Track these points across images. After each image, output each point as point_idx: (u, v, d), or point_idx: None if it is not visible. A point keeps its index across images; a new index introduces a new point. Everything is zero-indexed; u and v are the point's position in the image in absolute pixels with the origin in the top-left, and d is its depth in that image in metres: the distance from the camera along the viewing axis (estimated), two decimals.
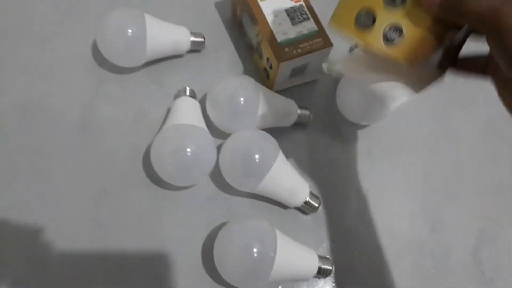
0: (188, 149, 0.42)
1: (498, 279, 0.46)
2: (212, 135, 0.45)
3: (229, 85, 0.46)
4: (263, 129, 0.46)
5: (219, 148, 0.45)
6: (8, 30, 0.51)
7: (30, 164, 0.45)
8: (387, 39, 0.29)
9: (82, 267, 0.42)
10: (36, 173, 0.45)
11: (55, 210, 0.44)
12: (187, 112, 0.45)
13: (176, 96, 0.47)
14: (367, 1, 0.30)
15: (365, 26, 0.30)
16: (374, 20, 0.29)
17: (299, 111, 0.48)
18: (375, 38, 0.29)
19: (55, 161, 0.46)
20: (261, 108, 0.45)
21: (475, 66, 0.32)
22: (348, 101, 0.49)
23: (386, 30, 0.29)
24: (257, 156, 0.42)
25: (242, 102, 0.45)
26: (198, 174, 0.44)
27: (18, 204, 0.44)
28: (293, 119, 0.48)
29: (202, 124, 0.45)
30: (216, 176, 0.46)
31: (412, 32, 0.28)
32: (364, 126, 0.51)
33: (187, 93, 0.47)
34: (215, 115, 0.46)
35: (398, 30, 0.29)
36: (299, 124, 0.49)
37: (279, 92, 0.50)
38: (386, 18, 0.29)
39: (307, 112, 0.49)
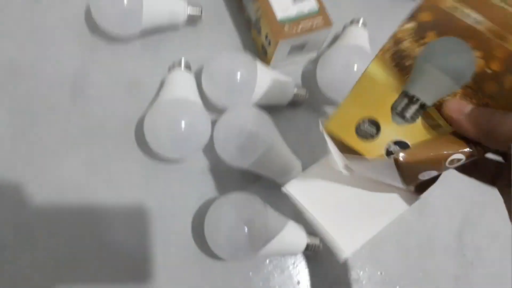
0: (183, 122, 0.41)
1: (478, 262, 0.47)
2: (207, 109, 0.45)
3: (226, 60, 0.45)
4: (259, 106, 0.46)
5: (213, 123, 0.45)
6: None
7: (17, 127, 0.44)
8: (390, 153, 0.27)
9: (69, 236, 0.41)
10: (23, 136, 0.44)
11: (42, 175, 0.43)
12: (181, 85, 0.45)
13: (171, 68, 0.46)
14: (373, 111, 0.28)
15: (366, 136, 0.28)
16: (377, 130, 0.28)
17: (295, 90, 0.48)
18: (376, 150, 0.28)
19: (43, 126, 0.45)
20: (258, 85, 0.45)
21: (483, 174, 0.30)
22: (328, 78, 0.49)
23: (391, 145, 0.27)
24: (253, 134, 0.42)
25: (239, 78, 0.44)
26: (192, 147, 0.43)
27: (4, 167, 0.43)
28: (289, 97, 0.48)
29: (197, 98, 0.45)
30: (209, 150, 0.45)
31: None
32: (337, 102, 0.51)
33: (182, 65, 0.46)
34: (211, 90, 0.46)
35: (403, 144, 0.27)
36: (296, 103, 0.49)
37: (276, 68, 0.50)
38: (392, 133, 0.27)
39: (303, 92, 0.48)
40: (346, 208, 0.31)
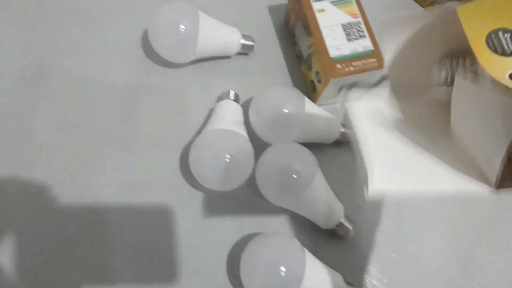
0: (227, 155, 0.41)
1: None
2: (251, 141, 0.45)
3: (276, 95, 0.45)
4: (303, 144, 0.45)
5: (257, 155, 0.45)
6: (65, 10, 0.52)
7: (65, 141, 0.46)
8: None
9: (107, 255, 0.42)
10: (71, 154, 0.45)
11: (84, 191, 0.44)
12: (229, 116, 0.45)
13: (220, 98, 0.47)
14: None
15: (500, 50, 0.22)
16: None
17: (341, 129, 0.47)
18: (502, 72, 0.22)
19: (90, 142, 0.46)
20: (304, 122, 0.44)
21: None
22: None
23: None
24: (295, 172, 0.41)
25: (286, 114, 0.44)
26: (235, 180, 0.43)
27: (52, 183, 0.44)
28: (335, 136, 0.47)
29: (243, 130, 0.45)
30: (252, 183, 0.45)
31: None
32: None
33: (231, 96, 0.46)
34: (257, 123, 0.46)
35: None
36: (341, 142, 0.48)
37: (323, 105, 0.49)
38: None
39: (350, 131, 0.47)
40: (398, 150, 0.27)
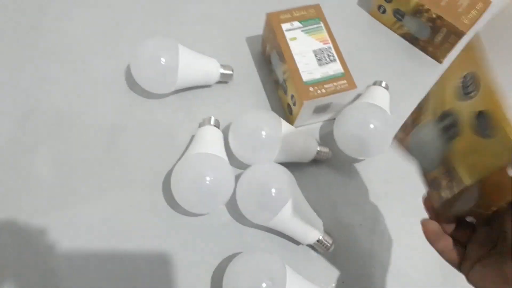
0: (208, 178, 0.43)
1: None
2: (232, 164, 0.47)
3: (252, 118, 0.48)
4: (282, 163, 0.47)
5: (237, 177, 0.46)
6: (49, 47, 0.55)
7: (54, 174, 0.47)
8: None
9: (93, 285, 0.43)
10: (59, 183, 0.47)
11: (72, 221, 0.45)
12: (209, 141, 0.47)
13: (201, 125, 0.49)
14: None
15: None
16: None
17: (318, 148, 0.49)
18: None
19: (78, 174, 0.48)
20: (282, 143, 0.46)
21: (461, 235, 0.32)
22: (344, 135, 0.49)
23: None
24: (273, 190, 0.43)
25: (263, 136, 0.46)
26: (216, 202, 0.45)
27: (38, 212, 0.45)
28: (312, 155, 0.49)
29: (223, 153, 0.46)
30: (232, 205, 0.47)
31: None
32: (361, 160, 0.52)
33: (212, 122, 0.48)
34: (236, 146, 0.48)
35: None
36: (318, 161, 0.50)
37: (301, 128, 0.52)
38: None
39: (326, 150, 0.49)
40: None
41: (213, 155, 0.45)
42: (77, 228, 0.45)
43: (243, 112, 0.49)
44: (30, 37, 0.55)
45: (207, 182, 0.43)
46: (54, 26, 0.57)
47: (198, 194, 0.43)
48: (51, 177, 0.47)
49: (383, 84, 0.52)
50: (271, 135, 0.46)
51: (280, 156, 0.47)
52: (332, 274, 0.45)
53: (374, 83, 0.53)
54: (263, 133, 0.46)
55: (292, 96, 0.49)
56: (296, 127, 0.51)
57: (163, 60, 0.49)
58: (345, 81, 0.48)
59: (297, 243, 0.46)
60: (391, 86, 0.53)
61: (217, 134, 0.48)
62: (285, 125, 0.48)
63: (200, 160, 0.44)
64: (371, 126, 0.47)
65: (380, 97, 0.51)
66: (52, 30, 0.56)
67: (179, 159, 0.49)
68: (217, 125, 0.49)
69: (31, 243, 0.44)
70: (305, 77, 0.48)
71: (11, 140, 0.49)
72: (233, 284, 0.40)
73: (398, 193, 0.50)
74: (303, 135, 0.49)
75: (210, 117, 0.49)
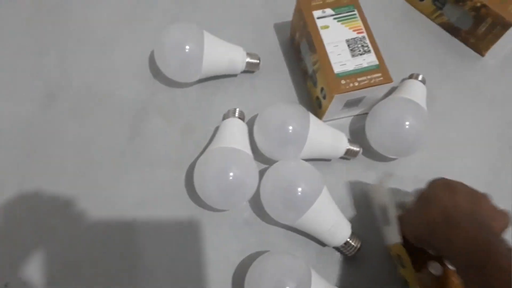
0: (231, 174, 0.41)
1: None
2: (256, 159, 0.45)
3: (279, 112, 0.45)
4: (309, 160, 0.45)
5: (262, 172, 0.44)
6: (73, 32, 0.54)
7: (77, 161, 0.47)
8: None
9: (112, 274, 0.42)
10: (81, 172, 0.46)
11: (94, 211, 0.45)
12: (234, 135, 0.45)
13: (225, 116, 0.47)
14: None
15: None
16: None
17: (348, 146, 0.46)
18: None
19: (99, 162, 0.47)
20: (309, 139, 0.44)
21: None
22: (377, 132, 0.47)
23: None
24: (299, 190, 0.41)
25: (290, 131, 0.44)
26: (239, 199, 0.43)
27: (61, 203, 0.45)
28: (341, 152, 0.46)
29: (247, 148, 0.44)
30: (256, 202, 0.45)
31: None
32: (393, 159, 0.49)
33: (236, 114, 0.46)
34: (262, 141, 0.45)
35: None
36: (348, 158, 0.47)
37: (330, 122, 0.49)
38: None
39: (357, 148, 0.47)
40: None
41: (237, 149, 0.43)
42: (100, 215, 0.44)
43: (270, 104, 0.46)
44: (55, 20, 0.54)
45: (231, 178, 0.41)
46: (79, 10, 0.55)
47: (221, 190, 0.42)
48: (71, 166, 0.47)
49: (420, 77, 0.49)
50: (298, 131, 0.44)
51: (307, 152, 0.45)
52: (359, 280, 0.43)
53: (410, 77, 0.50)
54: (290, 128, 0.44)
55: (322, 89, 0.47)
56: (325, 121, 0.49)
57: (187, 47, 0.47)
58: (380, 74, 0.45)
59: (323, 244, 0.44)
60: (428, 80, 0.50)
61: (242, 127, 0.46)
62: (313, 120, 0.45)
63: (224, 155, 0.42)
64: (406, 123, 0.44)
65: (416, 92, 0.48)
66: (78, 14, 0.55)
67: (201, 152, 0.47)
68: (242, 117, 0.46)
69: (53, 223, 0.44)
70: (337, 68, 0.45)
71: (38, 120, 0.49)
72: (256, 285, 0.38)
73: None
74: (332, 130, 0.46)
75: (235, 109, 0.46)
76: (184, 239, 0.44)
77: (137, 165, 0.47)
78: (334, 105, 0.46)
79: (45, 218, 0.44)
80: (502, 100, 0.53)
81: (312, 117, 0.45)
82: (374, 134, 0.46)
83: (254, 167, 0.43)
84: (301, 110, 0.45)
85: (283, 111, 0.45)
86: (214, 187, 0.42)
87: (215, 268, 0.43)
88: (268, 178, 0.43)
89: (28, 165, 0.46)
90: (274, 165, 0.43)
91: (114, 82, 0.51)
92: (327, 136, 0.46)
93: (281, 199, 0.41)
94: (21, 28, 0.54)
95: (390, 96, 0.48)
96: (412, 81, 0.49)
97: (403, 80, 0.50)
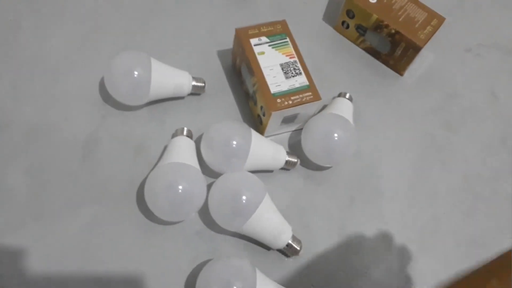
0: (180, 186, 0.44)
1: None
2: (203, 173, 0.48)
3: (224, 128, 0.50)
4: (253, 172, 0.49)
5: (209, 186, 0.48)
6: (25, 61, 0.56)
7: (30, 186, 0.48)
8: None
9: None
10: (34, 195, 0.48)
11: (48, 233, 0.46)
12: (182, 151, 0.48)
13: (174, 135, 0.50)
14: None
15: None
16: None
17: (287, 158, 0.51)
18: None
19: (53, 186, 0.49)
20: (252, 152, 0.48)
21: None
22: (310, 145, 0.52)
23: None
24: (244, 197, 0.45)
25: (234, 146, 0.48)
26: (188, 210, 0.46)
27: (12, 225, 0.46)
28: (281, 163, 0.51)
29: (195, 163, 0.48)
30: (204, 213, 0.48)
31: None
32: (327, 168, 0.54)
33: (184, 133, 0.50)
34: (208, 155, 0.49)
35: None
36: (288, 169, 0.52)
37: (271, 137, 0.54)
38: None
39: (294, 159, 0.52)
40: None
41: (186, 164, 0.46)
42: (54, 242, 0.46)
43: (215, 122, 0.51)
44: (7, 49, 0.56)
45: (180, 191, 0.44)
46: (28, 39, 0.58)
47: (171, 203, 0.45)
48: (25, 191, 0.48)
49: (347, 95, 0.56)
50: (242, 145, 0.48)
51: (251, 165, 0.49)
52: (302, 278, 0.47)
53: (339, 95, 0.56)
54: (234, 142, 0.48)
55: (262, 107, 0.52)
56: (266, 136, 0.54)
57: (136, 73, 0.50)
58: (310, 93, 0.51)
59: (267, 248, 0.48)
60: (355, 97, 0.56)
61: (190, 144, 0.50)
62: (255, 135, 0.50)
63: (173, 169, 0.46)
64: (335, 135, 0.50)
65: (344, 108, 0.54)
66: (26, 43, 0.57)
67: (152, 169, 0.50)
68: (189, 135, 0.50)
69: (8, 255, 0.44)
70: (273, 89, 0.51)
71: None
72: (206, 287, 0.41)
73: (362, 198, 0.53)
74: (273, 144, 0.51)
75: (183, 128, 0.50)
76: (136, 252, 0.46)
77: (90, 188, 0.49)
78: (273, 121, 0.51)
79: None
80: (420, 113, 0.61)
81: (254, 133, 0.50)
82: (309, 146, 0.52)
83: (202, 179, 0.47)
84: (244, 126, 0.50)
85: (228, 127, 0.50)
86: (164, 200, 0.45)
87: (167, 277, 0.45)
88: (215, 189, 0.46)
89: None
90: (221, 176, 0.47)
91: (66, 107, 0.53)
92: (268, 149, 0.51)
93: (227, 207, 0.45)
94: None
95: (321, 112, 0.54)
96: (341, 99, 0.55)
97: (333, 98, 0.56)
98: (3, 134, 0.51)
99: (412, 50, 0.59)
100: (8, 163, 0.49)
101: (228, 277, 0.41)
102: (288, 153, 0.52)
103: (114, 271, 0.45)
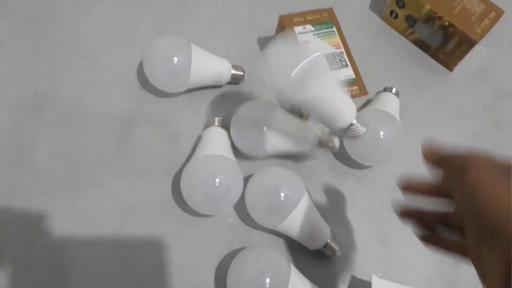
0: (217, 180, 0.43)
1: None
2: (240, 165, 0.47)
3: (253, 108, 0.48)
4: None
5: (246, 179, 0.47)
6: (62, 42, 0.55)
7: (64, 169, 0.48)
8: None
9: (101, 279, 0.43)
10: (68, 181, 0.47)
11: (82, 220, 0.46)
12: (217, 142, 0.47)
13: (206, 126, 0.49)
14: None
15: None
16: None
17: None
18: None
19: (88, 170, 0.48)
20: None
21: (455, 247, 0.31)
22: (355, 143, 0.49)
23: None
24: (282, 194, 0.43)
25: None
26: (224, 204, 0.45)
27: (48, 210, 0.46)
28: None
29: (230, 154, 0.47)
30: (240, 206, 0.47)
31: None
32: (368, 167, 0.52)
33: (216, 123, 0.49)
34: (237, 138, 0.48)
35: None
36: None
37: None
38: None
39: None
40: None
41: (222, 156, 0.45)
42: (87, 223, 0.46)
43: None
44: (44, 30, 0.56)
45: (217, 184, 0.43)
46: (68, 20, 0.57)
47: (207, 196, 0.43)
48: (59, 175, 0.48)
49: (394, 90, 0.53)
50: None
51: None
52: (337, 280, 0.46)
53: (385, 89, 0.53)
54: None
55: None
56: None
57: (175, 59, 0.49)
58: (356, 87, 0.48)
59: (304, 248, 0.46)
60: (401, 92, 0.53)
61: (223, 134, 0.48)
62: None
63: (210, 162, 0.44)
64: (381, 133, 0.47)
65: (390, 103, 0.51)
66: (67, 24, 0.56)
67: (187, 159, 0.49)
68: (222, 125, 0.49)
69: (41, 230, 0.45)
70: None
71: (26, 128, 0.49)
72: (236, 276, 0.41)
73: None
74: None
75: (214, 119, 0.49)
76: (171, 243, 0.46)
77: (124, 172, 0.48)
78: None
79: (35, 223, 0.45)
80: (469, 111, 0.57)
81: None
82: (351, 143, 0.50)
83: (239, 172, 0.45)
84: (271, 105, 0.48)
85: (256, 107, 0.48)
86: (200, 193, 0.44)
87: (198, 268, 0.45)
88: (253, 183, 0.45)
89: (16, 172, 0.47)
90: (259, 171, 0.46)
91: (103, 91, 0.53)
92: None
93: (264, 204, 0.43)
94: (11, 38, 0.55)
95: (365, 108, 0.51)
96: (387, 93, 0.52)
97: (378, 92, 0.54)
98: (39, 117, 0.50)
99: (466, 44, 0.55)
100: (43, 146, 0.49)
101: (261, 268, 0.40)
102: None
103: (145, 258, 0.45)
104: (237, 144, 0.48)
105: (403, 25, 0.60)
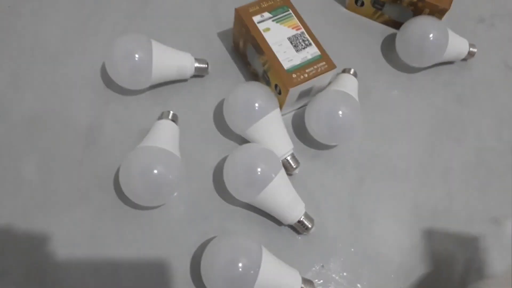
0: (155, 171, 0.43)
1: None
2: (217, 147, 0.48)
3: (245, 91, 0.49)
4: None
5: (223, 160, 0.48)
6: (24, 48, 0.54)
7: (35, 175, 0.47)
8: None
9: (76, 278, 0.43)
10: (40, 185, 0.47)
11: (55, 222, 0.45)
12: (163, 135, 0.47)
13: (159, 118, 0.49)
14: None
15: None
16: None
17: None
18: None
19: (57, 174, 0.48)
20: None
21: None
22: (314, 122, 0.50)
23: None
24: (259, 168, 0.44)
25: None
26: (162, 194, 0.45)
27: (21, 213, 0.45)
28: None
29: (175, 149, 0.46)
30: (218, 188, 0.48)
31: None
32: (334, 146, 0.53)
33: (170, 116, 0.49)
34: (230, 117, 0.49)
35: None
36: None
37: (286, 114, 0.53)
38: None
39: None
40: None
41: (156, 147, 0.45)
42: (60, 230, 0.45)
43: (221, 104, 0.49)
44: (6, 37, 0.55)
45: (154, 175, 0.43)
46: (26, 26, 0.56)
47: (144, 187, 0.44)
48: (28, 180, 0.47)
49: (352, 71, 0.54)
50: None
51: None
52: (312, 258, 0.46)
53: (343, 71, 0.54)
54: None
55: (276, 86, 0.50)
56: (283, 115, 0.52)
57: (136, 56, 0.49)
58: (324, 63, 0.49)
59: (279, 223, 0.46)
60: (366, 73, 0.55)
61: (173, 128, 0.48)
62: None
63: (144, 153, 0.45)
64: (339, 112, 0.49)
65: (348, 84, 0.52)
66: (25, 30, 0.56)
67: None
68: (175, 119, 0.49)
69: (17, 242, 0.44)
70: (286, 65, 0.48)
71: None
72: (210, 265, 0.41)
73: (373, 178, 0.52)
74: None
75: (169, 111, 0.49)
76: (145, 235, 0.46)
77: (95, 172, 0.48)
78: (290, 98, 0.50)
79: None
80: (431, 87, 0.59)
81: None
82: (313, 124, 0.50)
83: (177, 163, 0.45)
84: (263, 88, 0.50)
85: (248, 89, 0.49)
86: (138, 185, 0.44)
87: (174, 256, 0.45)
88: (231, 158, 0.46)
89: None
90: (237, 148, 0.47)
91: (68, 94, 0.52)
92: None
93: (242, 177, 0.44)
94: None
95: (325, 89, 0.52)
96: (345, 74, 0.53)
97: (337, 74, 0.55)
98: (4, 123, 0.49)
99: (438, 14, 0.56)
100: (10, 152, 0.48)
101: (232, 254, 0.40)
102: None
103: (121, 257, 0.44)
104: (230, 123, 0.50)
105: (371, 10, 0.61)
